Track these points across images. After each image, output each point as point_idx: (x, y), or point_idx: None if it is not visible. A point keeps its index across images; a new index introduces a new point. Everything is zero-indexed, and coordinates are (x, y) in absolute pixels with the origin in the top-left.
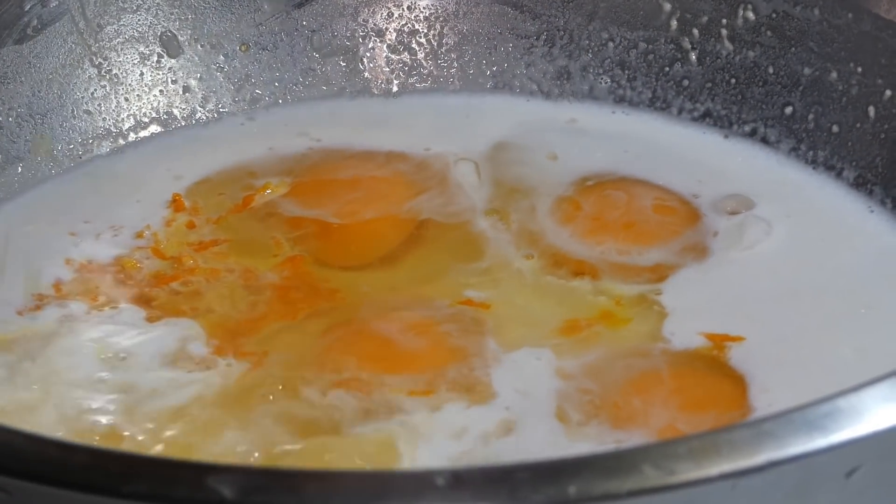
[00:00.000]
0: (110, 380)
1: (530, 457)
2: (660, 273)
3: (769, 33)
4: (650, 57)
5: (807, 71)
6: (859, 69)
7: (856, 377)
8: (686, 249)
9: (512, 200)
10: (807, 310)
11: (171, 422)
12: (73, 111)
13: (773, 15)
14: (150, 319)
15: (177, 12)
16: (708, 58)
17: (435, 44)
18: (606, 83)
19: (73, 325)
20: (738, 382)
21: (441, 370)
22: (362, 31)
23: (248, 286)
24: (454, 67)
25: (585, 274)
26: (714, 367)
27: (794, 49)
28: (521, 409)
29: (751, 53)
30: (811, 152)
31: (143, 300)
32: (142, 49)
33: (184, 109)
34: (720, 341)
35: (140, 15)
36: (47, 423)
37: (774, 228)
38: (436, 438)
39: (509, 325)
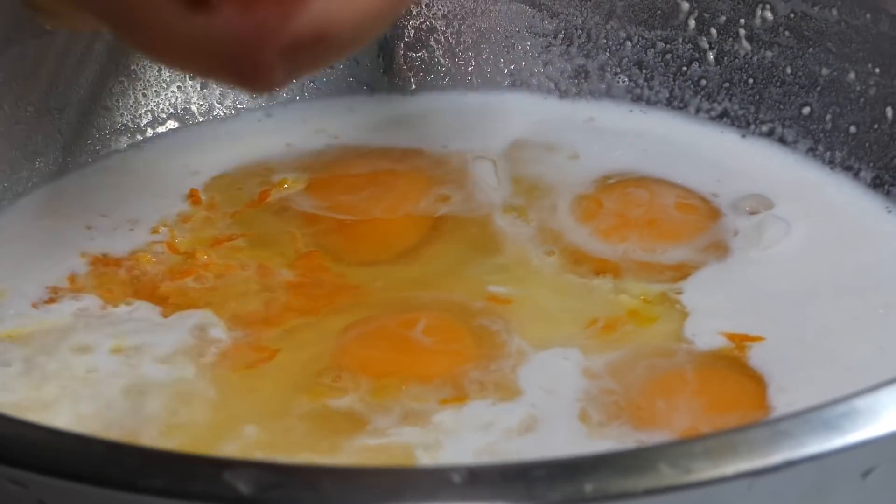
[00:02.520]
0: (126, 375)
1: (550, 455)
2: (682, 272)
3: (787, 33)
4: (668, 56)
5: (824, 71)
6: (877, 70)
7: (874, 377)
8: (708, 248)
9: (531, 198)
10: (825, 310)
11: (188, 416)
12: (90, 106)
13: (791, 15)
14: (164, 314)
15: None
16: (726, 57)
17: (453, 42)
18: (624, 82)
19: (89, 320)
20: (758, 383)
21: (466, 370)
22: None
23: (263, 282)
24: (472, 65)
25: (607, 272)
26: (735, 368)
27: (811, 49)
28: (546, 407)
29: (768, 53)
30: (829, 153)
31: (157, 295)
32: None
33: (201, 105)
34: (740, 341)
35: None
36: (64, 420)
37: (793, 228)
38: (460, 433)
39: (534, 323)
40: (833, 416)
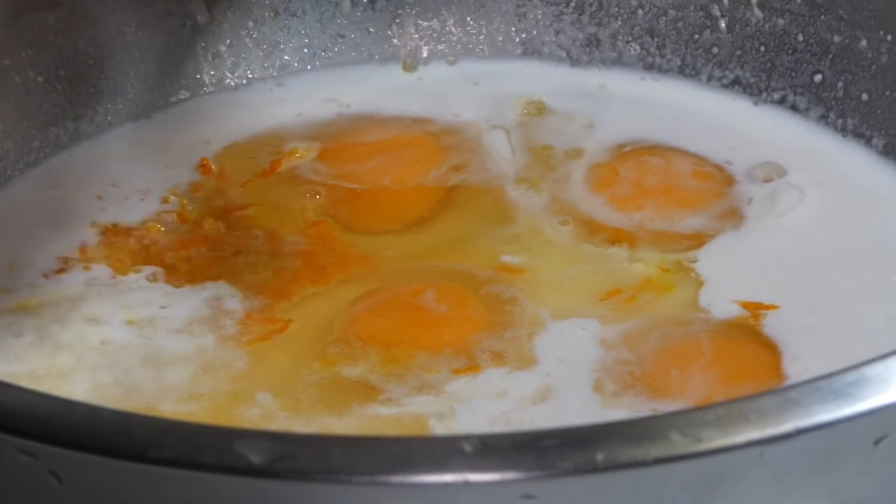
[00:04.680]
0: (142, 344)
1: (564, 424)
2: (698, 240)
3: (798, 1)
4: (679, 24)
5: (836, 39)
6: (889, 37)
7: (887, 344)
8: (723, 216)
9: (546, 168)
10: (839, 277)
11: (206, 386)
12: (100, 77)
13: None
14: (174, 284)
15: None
16: (737, 25)
17: (464, 10)
18: (636, 50)
19: (100, 290)
20: (772, 351)
21: (479, 338)
22: None
23: (274, 252)
24: (483, 34)
25: (623, 241)
26: (750, 337)
27: (823, 17)
28: (561, 376)
29: (780, 21)
30: (840, 120)
31: (166, 265)
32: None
33: (213, 75)
34: (755, 310)
35: None
36: (80, 390)
37: (807, 196)
38: (474, 401)
39: (548, 292)
40: (843, 385)
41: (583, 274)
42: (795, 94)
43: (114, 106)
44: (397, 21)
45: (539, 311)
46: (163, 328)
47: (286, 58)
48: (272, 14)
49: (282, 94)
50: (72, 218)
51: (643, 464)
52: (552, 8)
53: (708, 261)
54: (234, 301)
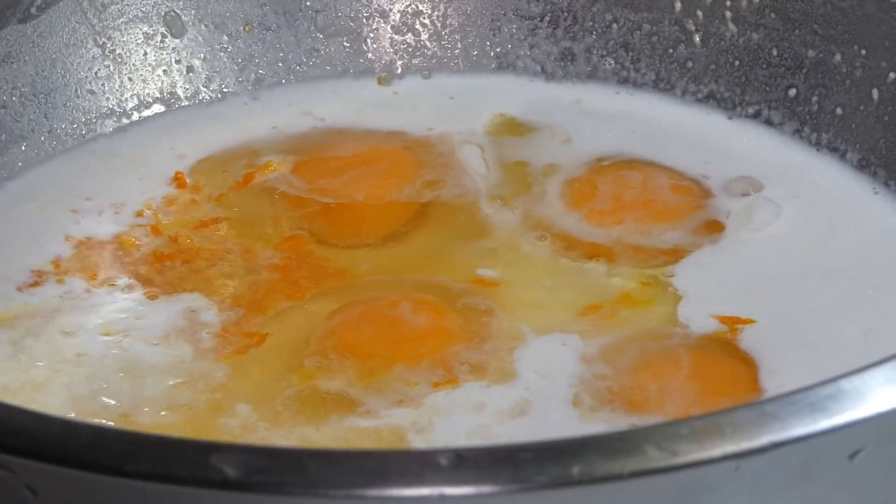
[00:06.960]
0: (118, 357)
1: (541, 438)
2: (676, 255)
3: (773, 15)
4: (654, 38)
5: (811, 53)
6: (863, 51)
7: (864, 358)
8: (701, 230)
9: (522, 184)
10: (815, 291)
11: (179, 398)
12: (76, 90)
13: None
14: (148, 297)
15: None
16: (712, 39)
17: (439, 25)
18: (610, 65)
19: (75, 302)
20: (749, 366)
21: (456, 351)
22: (366, 12)
23: (248, 265)
24: (458, 48)
25: (601, 256)
26: (728, 352)
27: (797, 31)
28: (540, 391)
29: (755, 35)
30: (815, 134)
31: (141, 278)
32: (145, 29)
33: (187, 89)
34: (732, 324)
35: None
36: (56, 402)
37: (783, 210)
38: (452, 415)
39: (525, 307)
40: (819, 398)
41: (560, 288)
42: (770, 108)
43: (89, 119)
44: (372, 35)
45: (519, 325)
46: (139, 339)
47: (261, 72)
48: (247, 28)
49: (256, 108)
50: (46, 231)
51: (619, 477)
52: (527, 22)
53: (686, 275)
54: (209, 314)
